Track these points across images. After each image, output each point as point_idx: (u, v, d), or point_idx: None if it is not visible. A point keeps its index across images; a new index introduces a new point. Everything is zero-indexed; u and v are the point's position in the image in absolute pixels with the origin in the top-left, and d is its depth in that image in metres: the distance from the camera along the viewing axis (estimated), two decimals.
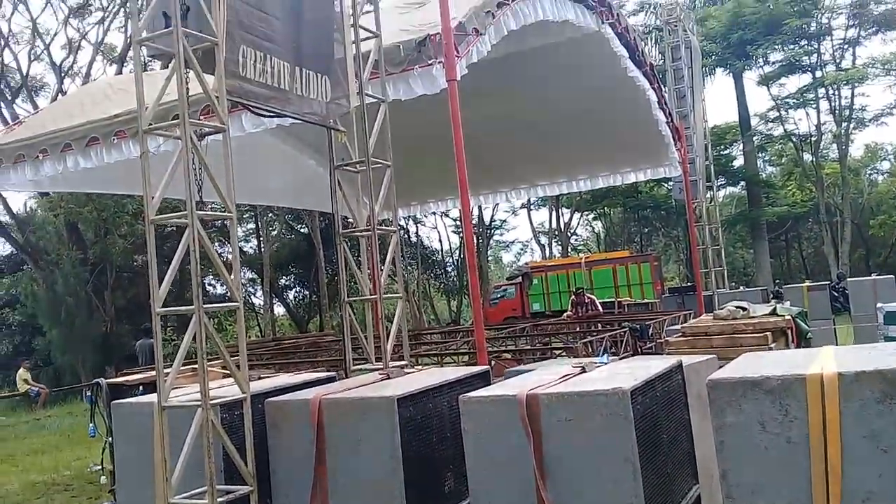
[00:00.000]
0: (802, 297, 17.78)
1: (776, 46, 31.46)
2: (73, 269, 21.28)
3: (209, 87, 5.43)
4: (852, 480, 3.03)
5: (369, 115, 7.32)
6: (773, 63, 32.85)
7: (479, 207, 36.31)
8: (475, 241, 42.67)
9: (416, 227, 42.78)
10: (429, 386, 4.74)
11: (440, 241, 46.93)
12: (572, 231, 48.03)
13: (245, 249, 33.81)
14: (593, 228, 55.32)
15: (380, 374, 5.63)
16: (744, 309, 9.62)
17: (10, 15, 21.40)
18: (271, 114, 6.51)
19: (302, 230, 35.20)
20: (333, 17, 7.06)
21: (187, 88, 5.16)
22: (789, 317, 9.48)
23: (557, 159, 18.95)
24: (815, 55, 32.01)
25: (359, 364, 7.26)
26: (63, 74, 22.67)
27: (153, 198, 5.14)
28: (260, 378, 6.23)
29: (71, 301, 21.60)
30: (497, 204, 33.52)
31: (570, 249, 45.58)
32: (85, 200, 20.00)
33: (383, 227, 7.40)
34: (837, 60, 32.34)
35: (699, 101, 20.60)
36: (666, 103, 17.16)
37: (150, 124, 5.56)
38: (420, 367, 8.67)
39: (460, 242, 43.72)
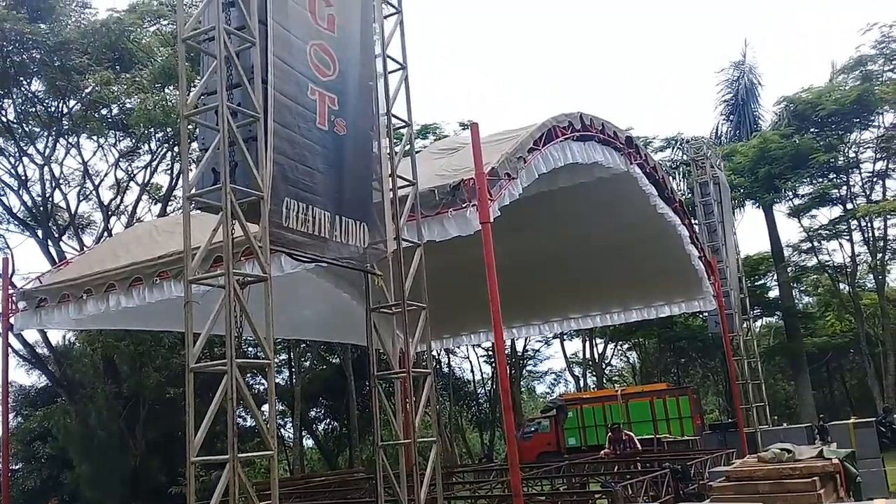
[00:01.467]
0: (848, 434, 17.13)
1: (804, 180, 31.76)
2: (106, 403, 21.35)
3: (252, 237, 5.63)
4: None
5: (405, 259, 7.49)
6: (803, 196, 33.07)
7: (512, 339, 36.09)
8: (510, 371, 42.21)
9: (448, 357, 42.50)
10: None
11: (472, 371, 46.36)
12: (607, 361, 47.31)
13: (276, 381, 33.70)
14: (628, 359, 54.44)
15: None
16: (789, 451, 9.31)
17: (63, 158, 22.49)
18: (311, 260, 6.69)
19: (333, 360, 35.14)
20: (372, 166, 7.36)
21: (232, 240, 5.36)
22: (837, 460, 9.15)
23: (590, 292, 18.99)
24: (845, 187, 32.23)
25: None
26: (110, 214, 23.61)
27: (194, 345, 5.24)
28: None
29: (103, 435, 21.53)
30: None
31: (605, 381, 44.74)
32: (122, 334, 20.32)
33: (418, 369, 7.40)
34: (868, 192, 32.49)
35: (731, 235, 20.72)
36: (697, 238, 17.31)
37: (196, 274, 5.73)
38: None
39: (492, 373, 43.23)
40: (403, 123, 7.91)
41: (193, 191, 5.82)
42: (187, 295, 5.41)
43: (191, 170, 5.96)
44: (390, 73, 7.68)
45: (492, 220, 9.11)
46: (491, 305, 8.84)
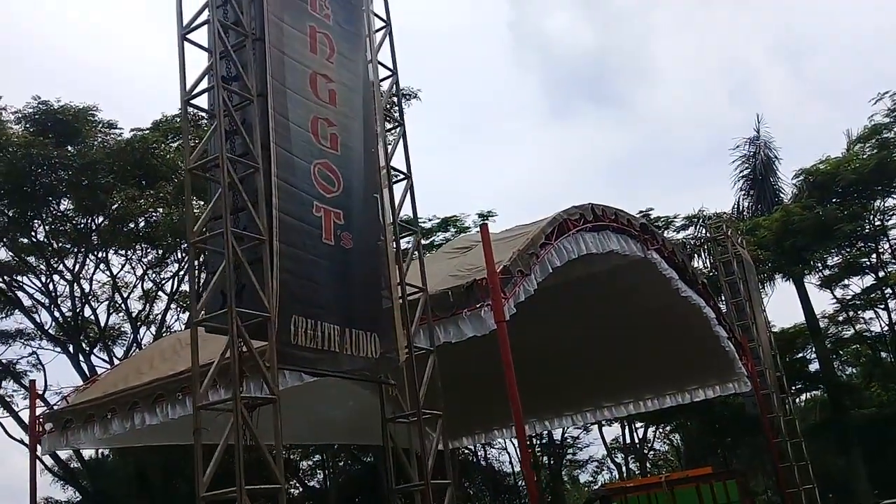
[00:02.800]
0: None
1: (832, 250, 31.36)
2: None
3: (260, 356, 5.66)
4: None
5: (420, 364, 7.46)
6: (832, 266, 32.60)
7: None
8: (547, 461, 41.15)
9: (485, 450, 41.59)
10: None
11: (510, 463, 45.24)
12: (650, 446, 46.01)
13: (310, 485, 33.18)
14: (672, 441, 52.90)
15: None
16: None
17: (92, 274, 23.03)
18: (321, 375, 6.69)
19: (367, 460, 34.58)
20: (381, 275, 7.43)
21: (240, 367, 5.39)
22: None
23: (622, 380, 18.65)
24: (875, 255, 31.74)
25: None
26: (139, 325, 23.94)
27: (203, 473, 5.21)
28: None
29: None
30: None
31: (649, 466, 43.36)
32: (155, 447, 20.28)
33: (437, 480, 7.26)
34: None
35: (760, 313, 20.35)
36: (725, 318, 17.05)
37: (208, 394, 5.74)
38: None
39: (533, 464, 42.15)
40: (411, 230, 8.01)
41: (203, 314, 5.90)
42: (196, 422, 5.42)
43: (202, 293, 6.06)
44: (395, 182, 7.84)
45: (507, 318, 9.09)
46: (511, 405, 8.74)
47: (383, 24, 8.56)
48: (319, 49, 7.13)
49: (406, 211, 8.14)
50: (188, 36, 6.39)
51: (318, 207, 6.67)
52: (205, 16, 6.39)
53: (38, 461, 12.92)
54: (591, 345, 16.88)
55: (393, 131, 8.06)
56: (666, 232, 34.99)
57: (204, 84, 6.50)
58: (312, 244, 6.54)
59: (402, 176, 8.00)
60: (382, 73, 8.27)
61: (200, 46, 6.42)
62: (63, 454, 23.30)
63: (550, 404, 19.30)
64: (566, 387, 18.30)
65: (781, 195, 35.42)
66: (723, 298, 19.94)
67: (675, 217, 34.80)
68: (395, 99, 8.30)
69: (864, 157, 30.60)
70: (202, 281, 6.58)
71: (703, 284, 16.13)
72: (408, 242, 8.35)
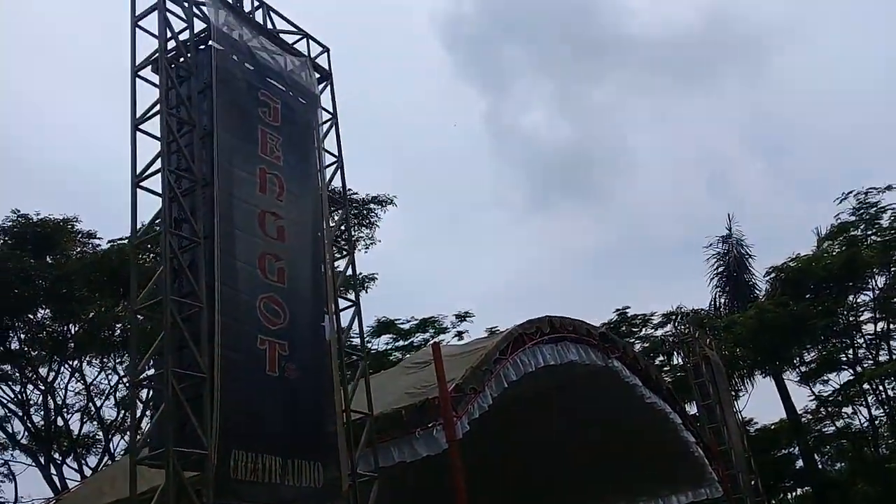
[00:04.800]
0: None
1: (807, 346, 31.70)
2: None
3: (193, 493, 5.84)
4: None
5: (365, 491, 7.61)
6: (809, 362, 32.86)
7: None
8: None
9: None
10: None
11: None
12: None
13: None
14: None
15: None
16: None
17: (67, 382, 23.05)
18: None
19: None
20: (327, 401, 7.64)
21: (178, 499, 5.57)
22: None
23: (594, 486, 18.54)
24: (850, 350, 32.06)
25: None
26: (112, 433, 23.77)
27: None
28: None
29: None
30: None
31: None
32: None
33: None
34: (874, 354, 32.26)
35: (731, 415, 20.49)
36: (692, 423, 17.17)
37: None
38: None
39: None
40: (358, 356, 8.30)
41: (147, 449, 6.12)
42: None
43: (141, 430, 6.29)
44: (343, 309, 8.18)
45: (459, 436, 9.28)
46: None
47: (330, 115, 9.12)
48: (269, 189, 7.60)
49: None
50: (142, 182, 6.83)
51: (262, 340, 6.97)
52: (158, 164, 6.84)
53: None
54: (560, 451, 16.88)
55: (341, 259, 8.46)
56: (644, 329, 35.37)
57: (157, 225, 6.90)
58: (256, 377, 6.81)
59: (350, 304, 8.35)
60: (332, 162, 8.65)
61: (153, 192, 6.85)
62: None
63: None
64: (537, 493, 18.18)
65: (756, 291, 35.99)
66: (695, 401, 20.13)
67: (651, 314, 35.18)
68: (344, 228, 8.75)
69: (834, 254, 31.35)
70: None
71: (668, 390, 16.33)
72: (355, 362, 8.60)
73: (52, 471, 22.40)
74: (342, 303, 8.30)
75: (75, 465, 23.28)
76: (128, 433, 24.37)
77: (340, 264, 8.59)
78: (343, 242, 8.65)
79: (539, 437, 16.23)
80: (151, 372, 6.82)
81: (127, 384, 24.12)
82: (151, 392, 6.67)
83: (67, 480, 21.86)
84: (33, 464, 22.67)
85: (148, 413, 6.77)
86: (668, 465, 17.25)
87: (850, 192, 31.06)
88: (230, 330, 6.63)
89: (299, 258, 7.77)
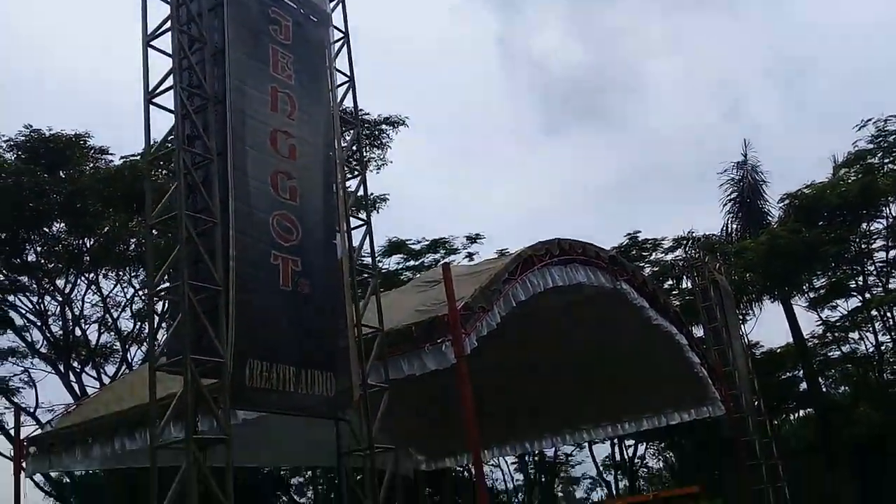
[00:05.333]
0: None
1: (818, 272, 31.76)
2: None
3: (212, 399, 6.11)
4: None
5: (375, 401, 7.90)
6: (819, 288, 32.99)
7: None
8: (541, 478, 41.41)
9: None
10: None
11: (504, 480, 45.47)
12: (642, 462, 46.19)
13: (300, 501, 33.53)
14: (665, 459, 53.05)
15: None
16: None
17: (84, 294, 23.54)
18: (275, 412, 7.14)
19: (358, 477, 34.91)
20: (339, 316, 7.88)
21: (195, 408, 5.84)
22: None
23: (600, 403, 19.04)
24: (861, 278, 32.13)
25: None
26: (129, 343, 24.41)
27: None
28: None
29: None
30: None
31: (642, 483, 43.54)
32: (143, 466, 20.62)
33: None
34: (884, 282, 32.33)
35: (736, 338, 20.75)
36: (698, 345, 17.48)
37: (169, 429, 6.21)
38: None
39: (525, 481, 42.49)
40: (369, 274, 8.49)
41: (162, 360, 6.37)
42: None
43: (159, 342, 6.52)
44: (354, 228, 8.32)
45: (467, 352, 9.54)
46: (468, 434, 9.19)
47: (342, 34, 9.06)
48: (280, 108, 7.64)
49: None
50: (154, 100, 6.89)
51: (275, 256, 7.14)
52: (170, 81, 6.89)
53: (24, 478, 13.35)
54: (569, 369, 17.30)
55: (352, 179, 8.55)
56: (654, 254, 35.49)
57: (170, 142, 6.99)
58: (269, 291, 7.01)
59: (361, 223, 8.49)
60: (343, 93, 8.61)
61: (166, 109, 6.92)
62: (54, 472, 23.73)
63: (531, 426, 19.70)
64: (546, 409, 18.70)
65: (769, 218, 35.82)
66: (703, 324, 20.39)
67: (663, 239, 35.23)
68: (356, 148, 8.82)
69: (849, 181, 31.07)
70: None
71: (676, 312, 16.57)
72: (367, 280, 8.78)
73: (72, 378, 23.12)
74: (353, 222, 8.43)
75: (94, 374, 24.03)
76: (145, 343, 25.07)
77: (352, 184, 8.69)
78: (355, 163, 8.74)
79: (546, 356, 16.60)
80: (167, 285, 7.03)
81: (143, 297, 24.65)
82: (168, 304, 6.87)
83: (87, 388, 22.61)
84: (53, 371, 23.40)
85: (165, 325, 6.98)
86: (672, 384, 17.67)
87: (870, 120, 30.50)
88: (244, 245, 6.80)
89: (311, 177, 7.87)
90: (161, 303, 8.54)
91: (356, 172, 8.60)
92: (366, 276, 8.64)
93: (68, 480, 25.05)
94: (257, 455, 16.90)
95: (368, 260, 8.95)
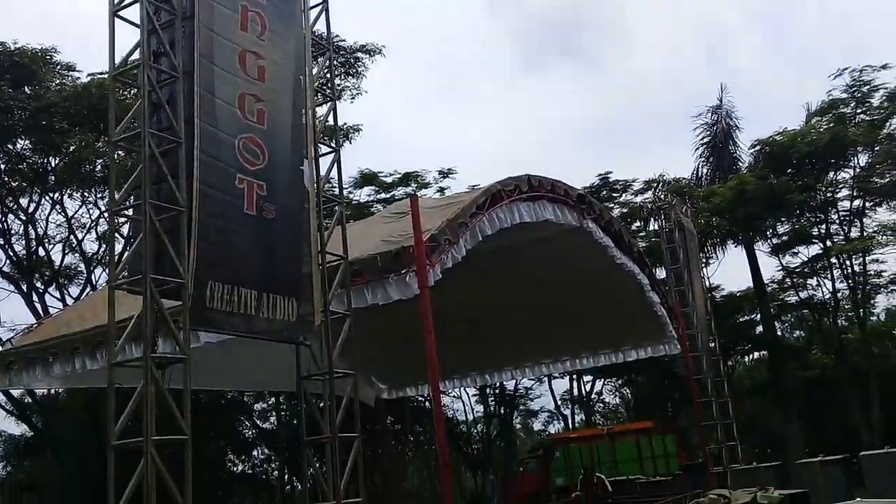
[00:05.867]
0: (816, 473, 17.48)
1: (782, 219, 32.29)
2: (89, 456, 21.64)
3: (171, 319, 6.13)
4: None
5: (336, 328, 8.00)
6: (782, 235, 33.60)
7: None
8: (500, 410, 42.35)
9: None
10: None
11: (464, 412, 46.44)
12: (600, 398, 47.42)
13: (264, 426, 33.98)
14: (622, 395, 54.46)
15: None
16: (725, 497, 9.82)
17: (48, 214, 23.21)
18: (235, 334, 7.20)
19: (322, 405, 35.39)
20: (303, 242, 7.89)
21: (154, 328, 5.87)
22: None
23: (560, 339, 19.45)
24: (823, 226, 32.73)
25: None
26: (94, 265, 24.22)
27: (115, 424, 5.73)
28: None
29: (85, 489, 21.79)
30: None
31: (598, 418, 44.77)
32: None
33: (345, 434, 7.87)
34: (846, 231, 32.98)
35: (697, 279, 21.18)
36: (658, 285, 17.83)
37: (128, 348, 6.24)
38: None
39: (485, 413, 43.45)
40: (336, 202, 8.47)
41: (125, 275, 6.37)
42: (111, 379, 5.92)
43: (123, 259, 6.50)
44: (322, 155, 8.26)
45: (431, 284, 9.64)
46: (429, 365, 9.35)
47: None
48: (251, 27, 7.46)
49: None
50: (119, 13, 6.70)
51: (241, 180, 7.09)
52: None
53: None
54: (531, 304, 17.57)
55: (323, 105, 8.44)
56: (624, 195, 35.75)
57: (135, 57, 6.83)
58: (233, 215, 6.98)
59: (329, 150, 8.42)
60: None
61: (131, 23, 6.73)
62: (15, 391, 23.74)
63: (492, 359, 20.10)
64: (507, 343, 19.06)
65: (739, 164, 36.13)
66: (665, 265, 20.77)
67: (633, 181, 35.45)
68: (329, 74, 8.68)
69: (821, 130, 31.33)
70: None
71: (639, 252, 16.82)
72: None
73: (35, 298, 22.97)
74: (322, 149, 8.36)
75: (58, 295, 23.88)
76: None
77: (322, 111, 8.58)
78: (328, 90, 8.60)
79: (510, 291, 16.84)
80: (130, 206, 6.97)
81: (108, 219, 24.37)
82: (131, 225, 6.82)
83: (50, 308, 22.48)
84: (15, 291, 23.20)
85: (129, 247, 6.94)
86: (631, 322, 18.08)
87: (846, 69, 30.64)
88: (209, 167, 6.73)
89: (280, 101, 7.76)
90: (126, 224, 8.49)
91: (328, 99, 8.48)
92: (333, 205, 8.62)
93: (30, 400, 25.09)
94: (219, 380, 17.09)
95: (337, 190, 8.91)
